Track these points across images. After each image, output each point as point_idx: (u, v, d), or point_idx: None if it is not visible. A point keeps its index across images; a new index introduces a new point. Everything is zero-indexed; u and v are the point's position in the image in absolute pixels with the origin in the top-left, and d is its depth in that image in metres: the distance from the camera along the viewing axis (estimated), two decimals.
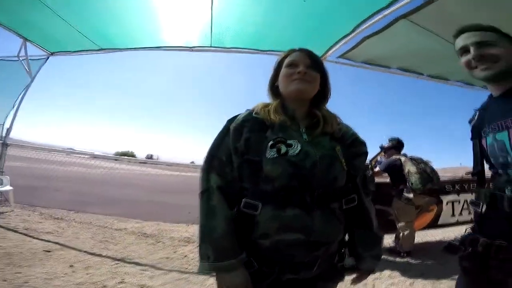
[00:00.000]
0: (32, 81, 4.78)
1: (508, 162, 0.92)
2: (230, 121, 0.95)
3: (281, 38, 3.44)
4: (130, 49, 4.28)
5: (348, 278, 0.99)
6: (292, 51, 1.01)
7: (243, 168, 0.88)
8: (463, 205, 4.34)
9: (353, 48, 3.46)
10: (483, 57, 0.95)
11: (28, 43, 4.33)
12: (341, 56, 3.72)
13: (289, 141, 0.87)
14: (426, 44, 3.10)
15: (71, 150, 7.56)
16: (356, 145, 1.01)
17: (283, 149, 0.85)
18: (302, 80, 0.93)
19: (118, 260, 2.73)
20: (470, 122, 1.14)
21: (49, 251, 2.70)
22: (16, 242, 2.84)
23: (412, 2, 2.52)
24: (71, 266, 2.45)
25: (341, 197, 0.91)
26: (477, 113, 1.11)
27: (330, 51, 3.60)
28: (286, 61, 0.98)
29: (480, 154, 1.07)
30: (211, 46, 3.83)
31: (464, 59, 1.01)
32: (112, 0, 2.95)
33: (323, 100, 1.04)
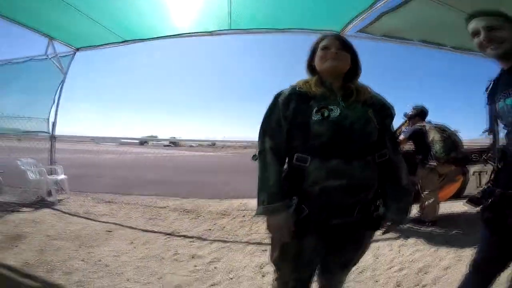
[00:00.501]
0: (65, 76, 5.11)
1: None
2: (278, 96, 1.14)
3: (298, 15, 3.50)
4: (152, 39, 4.46)
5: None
6: (325, 36, 1.19)
7: (293, 131, 1.07)
8: (490, 177, 4.27)
9: (371, 23, 3.49)
10: (492, 39, 1.11)
11: (54, 42, 4.61)
12: (360, 30, 3.74)
13: (330, 107, 1.05)
14: (445, 17, 3.05)
15: (100, 139, 7.97)
16: (385, 109, 1.18)
17: (326, 113, 1.03)
18: (335, 59, 1.11)
19: (169, 234, 3.12)
20: (486, 90, 1.30)
21: (110, 231, 3.12)
22: (81, 225, 3.28)
23: None
24: (131, 242, 2.85)
25: (374, 151, 1.08)
26: (491, 83, 1.27)
27: (350, 26, 3.64)
28: (320, 45, 1.16)
29: (494, 117, 1.24)
30: (230, 29, 3.93)
31: (476, 40, 1.18)
32: None
33: (355, 76, 1.20)
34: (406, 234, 3.15)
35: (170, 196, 5.07)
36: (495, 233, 1.15)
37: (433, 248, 2.80)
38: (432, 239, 3.02)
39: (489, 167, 3.40)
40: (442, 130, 3.43)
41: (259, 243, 2.91)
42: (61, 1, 3.17)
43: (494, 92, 1.22)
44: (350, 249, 1.16)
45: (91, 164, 6.49)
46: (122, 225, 3.34)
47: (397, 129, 4.30)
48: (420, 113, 3.74)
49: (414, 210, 3.86)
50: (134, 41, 4.53)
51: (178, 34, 4.30)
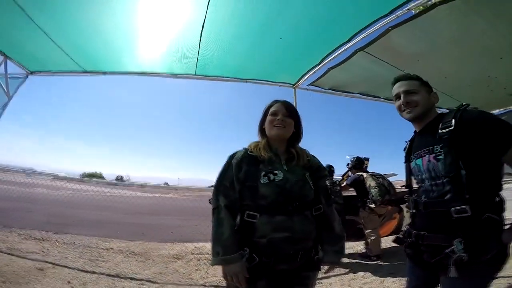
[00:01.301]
0: (9, 101, 4.40)
1: (422, 179, 1.33)
2: (231, 157, 1.35)
3: (260, 69, 3.87)
4: (115, 73, 4.32)
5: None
6: (275, 102, 1.43)
7: (244, 191, 1.26)
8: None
9: (320, 77, 4.02)
10: (408, 103, 1.36)
11: (9, 61, 4.07)
12: (311, 83, 4.28)
13: (275, 171, 1.29)
14: (381, 72, 3.66)
15: (31, 171, 7.16)
16: (319, 171, 1.45)
17: (272, 177, 1.27)
18: (280, 126, 1.35)
19: (114, 276, 2.81)
20: (404, 150, 1.54)
21: (41, 269, 2.71)
22: (4, 261, 2.79)
23: (367, 36, 3.05)
24: (68, 282, 2.51)
25: (311, 206, 1.31)
26: (407, 144, 1.51)
27: (302, 80, 4.14)
28: (271, 110, 1.39)
29: (409, 173, 1.48)
30: (195, 74, 4.08)
31: (397, 103, 1.43)
32: (101, 22, 3.01)
33: (297, 139, 1.45)
34: (355, 269, 3.41)
35: (114, 237, 4.58)
36: (417, 265, 1.36)
37: (380, 279, 3.04)
38: (378, 271, 3.29)
39: None
40: (377, 177, 4.04)
41: (216, 286, 2.72)
42: (24, 15, 2.90)
43: (409, 152, 1.46)
44: None
45: (19, 197, 5.67)
46: (56, 264, 2.91)
47: (343, 175, 5.07)
48: (358, 163, 4.39)
49: (360, 247, 4.28)
50: (94, 72, 4.29)
51: (143, 72, 4.25)
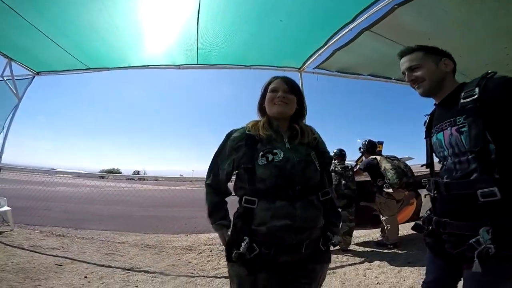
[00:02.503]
0: (19, 102, 4.65)
1: (444, 155, 1.17)
2: (228, 136, 1.25)
3: (263, 54, 3.77)
4: (118, 68, 4.40)
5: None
6: (274, 78, 1.30)
7: (242, 173, 1.16)
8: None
9: (326, 59, 3.86)
10: (414, 81, 1.24)
11: (13, 63, 4.25)
12: (317, 67, 4.12)
13: (274, 150, 1.15)
14: (389, 52, 3.45)
15: (53, 171, 7.43)
16: (326, 152, 1.32)
17: (270, 157, 1.13)
18: (282, 103, 1.22)
19: (128, 269, 2.88)
20: (424, 124, 1.37)
21: (61, 265, 2.81)
22: (26, 258, 2.93)
23: (373, 15, 2.90)
24: (85, 277, 2.59)
25: (317, 190, 1.17)
26: (428, 118, 1.35)
27: (307, 63, 4.01)
28: (270, 86, 1.26)
29: (430, 150, 1.31)
30: (197, 64, 4.06)
31: (407, 81, 1.30)
32: (99, 20, 3.05)
33: (301, 116, 1.33)
34: (370, 258, 3.31)
35: (129, 231, 4.72)
36: (437, 256, 1.21)
37: (397, 269, 2.95)
38: (395, 260, 3.19)
39: None
40: (391, 159, 3.80)
41: (227, 277, 2.77)
42: (25, 21, 3.06)
43: (430, 126, 1.30)
44: (304, 283, 1.17)
45: (41, 196, 5.91)
46: (74, 259, 3.04)
47: (357, 160, 4.79)
48: (370, 146, 4.18)
49: (376, 234, 4.17)
50: (99, 69, 4.39)
51: (145, 66, 4.30)
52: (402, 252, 3.53)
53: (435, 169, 1.34)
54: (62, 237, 3.98)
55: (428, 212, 1.28)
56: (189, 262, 3.21)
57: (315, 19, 3.02)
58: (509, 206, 0.94)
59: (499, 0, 2.47)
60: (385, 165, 3.73)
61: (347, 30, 3.16)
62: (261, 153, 1.14)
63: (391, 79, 4.65)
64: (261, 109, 1.32)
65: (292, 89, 1.25)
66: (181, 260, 3.28)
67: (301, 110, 1.31)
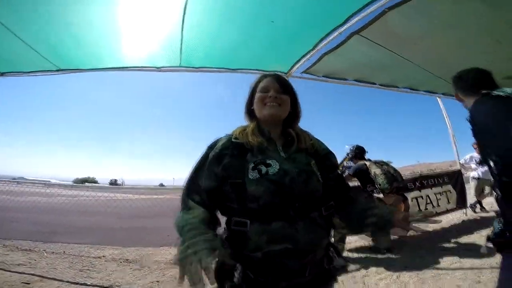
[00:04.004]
0: None
1: None
2: (210, 147, 1.06)
3: (249, 57, 3.61)
4: (92, 69, 4.00)
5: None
6: (263, 77, 1.15)
7: (228, 191, 0.97)
8: (426, 200, 4.87)
9: (314, 63, 3.79)
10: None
11: None
12: (305, 71, 4.04)
13: (268, 161, 0.98)
14: (376, 57, 3.51)
15: (22, 179, 6.92)
16: (329, 159, 1.15)
17: (263, 169, 0.95)
18: (274, 104, 1.06)
19: (107, 287, 2.58)
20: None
21: (28, 283, 2.51)
22: None
23: (363, 19, 2.84)
24: None
25: (319, 206, 1.01)
26: None
27: (295, 67, 3.88)
28: (260, 86, 1.12)
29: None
30: (180, 66, 3.81)
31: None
32: (73, 18, 2.77)
33: (296, 120, 1.17)
34: (365, 264, 3.24)
35: (106, 244, 4.36)
36: None
37: (395, 274, 2.89)
38: (391, 265, 3.15)
39: (423, 193, 4.12)
40: (381, 164, 3.83)
41: None
42: None
43: None
44: None
45: (7, 206, 5.43)
46: (43, 277, 2.71)
47: (339, 164, 4.67)
48: (358, 151, 4.21)
49: (369, 239, 4.13)
50: (71, 70, 3.96)
51: (123, 67, 3.95)
52: (396, 256, 3.50)
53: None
54: (29, 251, 3.61)
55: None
56: (175, 278, 2.94)
57: (306, 20, 2.90)
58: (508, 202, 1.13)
59: (486, 3, 2.48)
60: (375, 170, 3.73)
61: (336, 33, 3.08)
62: (251, 165, 0.96)
63: (375, 84, 4.66)
64: (249, 112, 1.16)
65: (285, 88, 1.11)
66: (166, 276, 3.02)
67: (295, 112, 1.16)
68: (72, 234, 5.13)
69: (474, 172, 5.72)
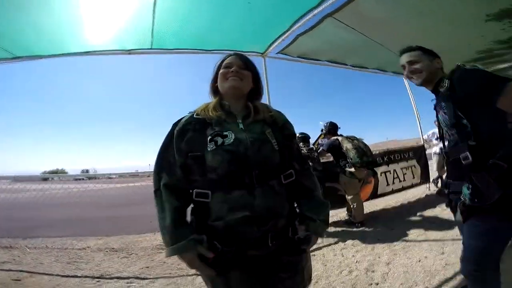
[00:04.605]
0: None
1: (446, 131, 1.47)
2: (175, 124, 1.09)
3: (225, 38, 3.58)
4: (53, 55, 3.74)
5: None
6: (227, 56, 1.20)
7: (190, 164, 1.02)
8: (393, 175, 5.18)
9: (289, 44, 3.87)
10: (412, 72, 1.53)
11: None
12: (280, 52, 4.12)
13: (225, 133, 1.02)
14: (348, 39, 3.68)
15: None
16: (287, 128, 1.19)
17: (220, 140, 1.00)
18: (236, 78, 1.11)
19: (98, 277, 2.66)
20: (434, 108, 1.62)
21: (19, 280, 2.49)
22: None
23: (336, 1, 2.93)
24: None
25: (278, 174, 1.05)
26: (435, 101, 1.61)
27: (271, 48, 3.95)
28: (223, 63, 1.17)
29: (439, 126, 1.59)
30: (151, 48, 3.67)
31: (404, 73, 1.59)
32: (28, 2, 2.55)
33: (257, 95, 1.23)
34: (343, 237, 3.49)
35: (89, 235, 4.35)
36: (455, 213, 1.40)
37: (370, 246, 3.13)
38: (365, 238, 3.39)
39: (391, 167, 4.42)
40: (352, 139, 4.00)
41: None
42: None
43: (435, 108, 1.59)
44: (284, 277, 1.08)
45: None
46: (33, 272, 2.70)
47: (314, 142, 4.97)
48: (332, 127, 4.37)
49: (343, 214, 4.40)
50: (29, 57, 3.69)
51: (87, 52, 3.72)
52: (370, 229, 3.79)
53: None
54: (10, 248, 3.52)
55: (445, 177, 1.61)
56: (164, 262, 3.07)
57: (282, 2, 2.93)
58: (482, 167, 1.20)
59: None
60: (347, 145, 3.91)
61: (311, 15, 3.15)
62: (209, 137, 1.01)
63: (347, 65, 4.92)
64: (214, 89, 1.21)
65: (247, 65, 1.17)
66: (155, 261, 3.11)
67: (257, 88, 1.22)
68: (52, 228, 5.01)
69: (436, 147, 6.07)
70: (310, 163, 3.77)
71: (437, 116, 1.56)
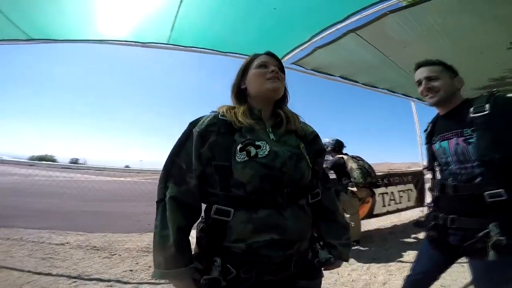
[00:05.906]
0: None
1: (447, 162, 1.33)
2: (193, 124, 0.94)
3: (242, 41, 3.49)
4: (67, 40, 3.63)
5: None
6: (257, 55, 1.07)
7: (209, 174, 0.88)
8: (390, 196, 5.20)
9: (305, 56, 3.79)
10: (430, 89, 1.36)
11: None
12: (295, 62, 4.03)
13: (257, 143, 0.88)
14: (365, 56, 3.62)
15: None
16: (317, 142, 1.08)
17: (253, 151, 0.86)
18: (276, 79, 0.98)
19: (74, 277, 2.42)
20: (425, 131, 1.54)
21: None
22: None
23: (363, 18, 2.91)
24: None
25: (307, 192, 0.96)
26: (430, 126, 1.49)
27: (286, 57, 3.83)
28: (255, 63, 1.02)
29: (431, 155, 1.47)
30: (168, 43, 3.56)
31: (419, 89, 1.42)
32: None
33: (285, 101, 1.09)
34: None
35: (70, 230, 4.06)
36: (436, 248, 1.35)
37: (365, 266, 3.04)
38: (361, 257, 3.30)
39: (389, 189, 4.33)
40: (357, 159, 3.99)
41: None
42: None
43: (432, 134, 1.46)
44: None
45: None
46: (1, 267, 2.42)
47: None
48: (338, 145, 4.32)
49: None
50: (43, 40, 3.56)
51: (103, 40, 3.61)
52: (365, 249, 3.70)
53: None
54: None
55: (431, 209, 1.44)
56: (150, 267, 2.81)
57: (308, 12, 2.87)
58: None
59: (482, 17, 2.61)
60: (352, 165, 3.89)
61: (334, 29, 3.12)
62: (239, 146, 0.86)
63: (358, 83, 4.83)
64: (239, 92, 1.04)
65: (281, 67, 1.05)
66: (139, 265, 2.87)
67: (285, 95, 1.08)
68: (29, 218, 4.68)
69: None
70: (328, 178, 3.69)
71: (430, 142, 1.46)
